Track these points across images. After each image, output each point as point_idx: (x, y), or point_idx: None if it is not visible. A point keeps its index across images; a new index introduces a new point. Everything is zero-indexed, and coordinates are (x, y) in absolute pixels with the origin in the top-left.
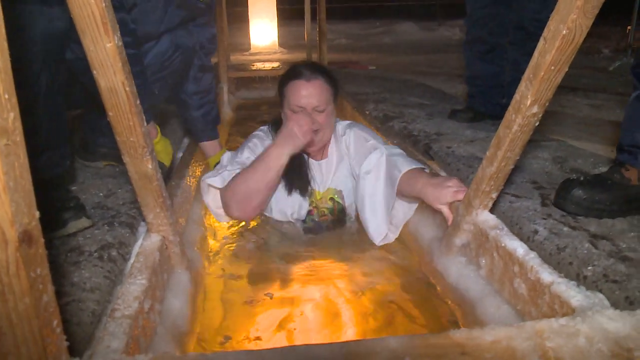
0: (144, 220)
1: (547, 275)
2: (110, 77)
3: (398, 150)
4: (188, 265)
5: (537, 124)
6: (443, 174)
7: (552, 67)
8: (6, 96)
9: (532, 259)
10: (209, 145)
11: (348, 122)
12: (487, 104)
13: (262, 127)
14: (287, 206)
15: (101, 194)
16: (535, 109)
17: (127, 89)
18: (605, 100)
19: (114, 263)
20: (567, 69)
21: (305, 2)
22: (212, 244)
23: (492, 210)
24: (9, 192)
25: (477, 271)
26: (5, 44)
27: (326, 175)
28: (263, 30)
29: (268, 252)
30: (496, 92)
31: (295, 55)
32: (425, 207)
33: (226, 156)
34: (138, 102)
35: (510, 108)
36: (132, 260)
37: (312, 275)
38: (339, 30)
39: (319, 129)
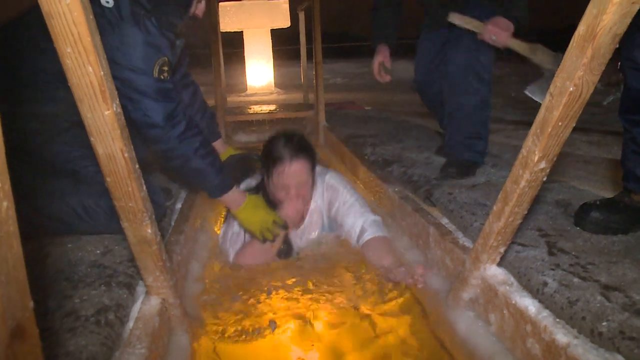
0: (142, 279)
1: (562, 336)
2: (109, 144)
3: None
4: (188, 326)
5: (544, 179)
6: (445, 221)
7: (560, 123)
8: None
9: (545, 318)
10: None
11: (326, 175)
12: None
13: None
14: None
15: (98, 252)
16: (543, 165)
17: (126, 155)
18: (602, 136)
19: (111, 328)
20: (574, 124)
21: (301, 43)
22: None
23: (499, 262)
24: (0, 287)
25: (487, 327)
26: None
27: (304, 238)
28: (259, 71)
29: (268, 288)
30: None
31: (291, 95)
32: (431, 258)
33: (223, 234)
34: (137, 166)
35: (517, 163)
36: (130, 325)
37: (315, 311)
38: (335, 70)
39: (303, 203)
